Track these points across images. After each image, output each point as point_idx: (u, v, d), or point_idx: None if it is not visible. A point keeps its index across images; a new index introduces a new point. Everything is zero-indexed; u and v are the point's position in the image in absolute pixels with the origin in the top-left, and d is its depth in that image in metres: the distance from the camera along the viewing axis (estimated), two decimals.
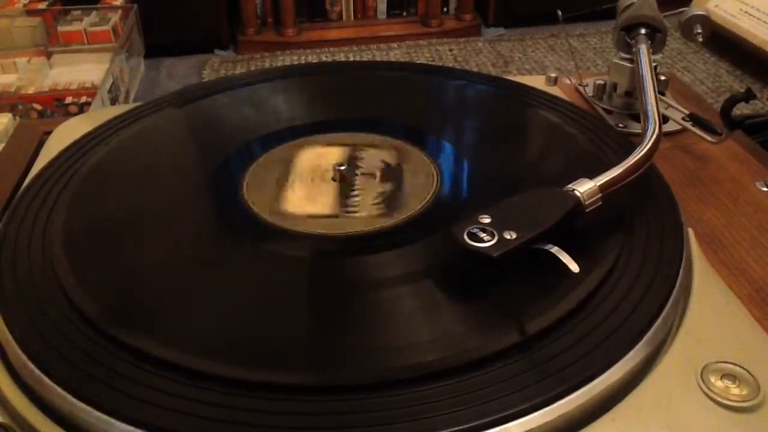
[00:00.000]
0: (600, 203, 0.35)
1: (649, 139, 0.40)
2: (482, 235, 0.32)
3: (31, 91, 1.07)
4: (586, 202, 0.35)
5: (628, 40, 0.53)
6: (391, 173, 0.43)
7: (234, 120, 0.51)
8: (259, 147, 0.47)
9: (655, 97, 0.45)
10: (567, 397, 0.28)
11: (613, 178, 0.36)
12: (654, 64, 0.50)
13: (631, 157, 0.38)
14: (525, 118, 0.50)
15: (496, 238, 0.32)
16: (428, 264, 0.35)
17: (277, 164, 0.45)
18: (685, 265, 0.35)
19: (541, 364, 0.29)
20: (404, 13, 1.54)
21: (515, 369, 0.29)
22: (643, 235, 0.36)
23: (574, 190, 0.35)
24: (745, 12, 1.23)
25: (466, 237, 0.32)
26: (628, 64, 0.53)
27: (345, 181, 0.43)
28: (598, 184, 0.36)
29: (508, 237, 0.32)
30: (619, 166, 0.37)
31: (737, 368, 0.30)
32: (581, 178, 0.36)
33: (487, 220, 0.33)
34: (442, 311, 0.33)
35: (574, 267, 0.31)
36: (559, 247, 0.32)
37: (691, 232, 0.39)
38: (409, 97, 0.54)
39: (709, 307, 0.34)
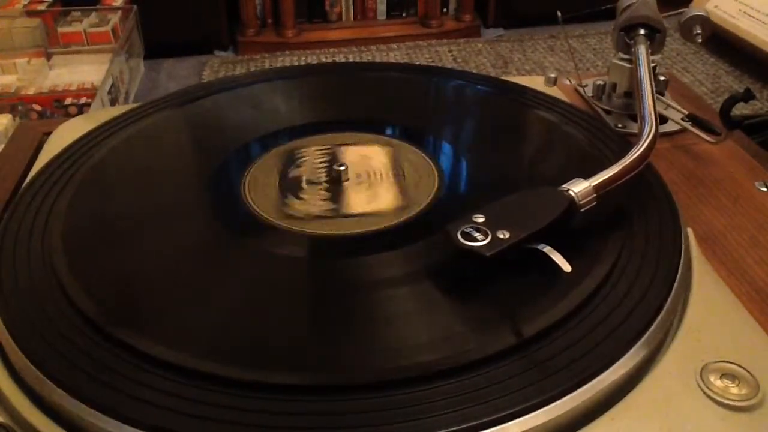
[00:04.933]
0: (595, 203, 0.36)
1: (645, 139, 0.40)
2: (476, 234, 0.32)
3: (30, 92, 1.08)
4: (581, 202, 0.35)
5: (628, 40, 0.53)
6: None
7: (234, 120, 0.51)
8: (258, 147, 0.47)
9: (653, 97, 0.45)
10: (566, 396, 0.28)
11: (608, 178, 0.36)
12: (653, 65, 0.50)
13: (626, 157, 0.38)
14: (524, 119, 0.50)
15: (489, 238, 0.32)
16: (428, 264, 0.35)
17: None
18: (685, 265, 0.35)
19: (540, 363, 0.29)
20: (404, 14, 1.54)
21: (515, 369, 0.29)
22: (643, 236, 0.36)
23: (568, 190, 0.35)
24: (745, 12, 1.23)
25: (459, 236, 0.32)
26: (628, 65, 0.53)
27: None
28: (593, 184, 0.36)
29: (502, 236, 0.32)
30: (615, 166, 0.37)
31: (737, 368, 0.30)
32: (576, 178, 0.36)
33: (481, 219, 0.33)
34: (441, 311, 0.33)
35: (566, 267, 0.31)
36: (556, 246, 0.32)
37: (690, 232, 0.39)
38: (409, 98, 0.54)
39: (709, 306, 0.34)
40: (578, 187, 0.35)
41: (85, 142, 0.47)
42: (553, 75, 0.57)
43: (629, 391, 0.29)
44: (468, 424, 0.26)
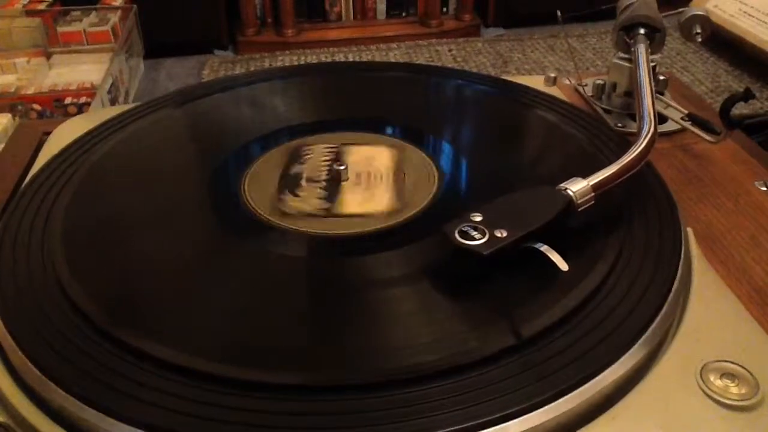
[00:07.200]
0: (593, 203, 0.36)
1: (644, 138, 0.40)
2: (473, 233, 0.33)
3: (30, 91, 1.07)
4: (579, 201, 0.35)
5: (627, 40, 0.53)
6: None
7: (233, 120, 0.51)
8: (258, 147, 0.47)
9: (652, 96, 0.45)
10: (566, 396, 0.28)
11: (606, 177, 0.36)
12: (653, 64, 0.50)
13: (625, 157, 0.38)
14: (524, 119, 0.50)
15: (486, 236, 0.32)
16: (428, 264, 0.35)
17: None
18: (684, 265, 0.35)
19: (540, 363, 0.29)
20: (404, 14, 1.54)
21: (514, 369, 0.29)
22: (643, 235, 0.36)
23: (566, 189, 0.35)
24: (744, 12, 1.23)
25: (457, 235, 0.32)
26: (627, 64, 0.53)
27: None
28: (591, 183, 0.36)
29: (499, 235, 0.32)
30: (613, 165, 0.37)
31: (736, 367, 0.30)
32: (574, 177, 0.36)
33: (478, 218, 0.33)
34: (441, 311, 0.33)
35: (563, 266, 0.31)
36: (555, 245, 0.32)
37: (690, 231, 0.39)
38: (409, 97, 0.54)
39: (709, 306, 0.34)
40: (576, 187, 0.35)
41: (85, 142, 0.47)
42: (553, 75, 0.57)
43: (629, 391, 0.29)
44: (468, 424, 0.26)
